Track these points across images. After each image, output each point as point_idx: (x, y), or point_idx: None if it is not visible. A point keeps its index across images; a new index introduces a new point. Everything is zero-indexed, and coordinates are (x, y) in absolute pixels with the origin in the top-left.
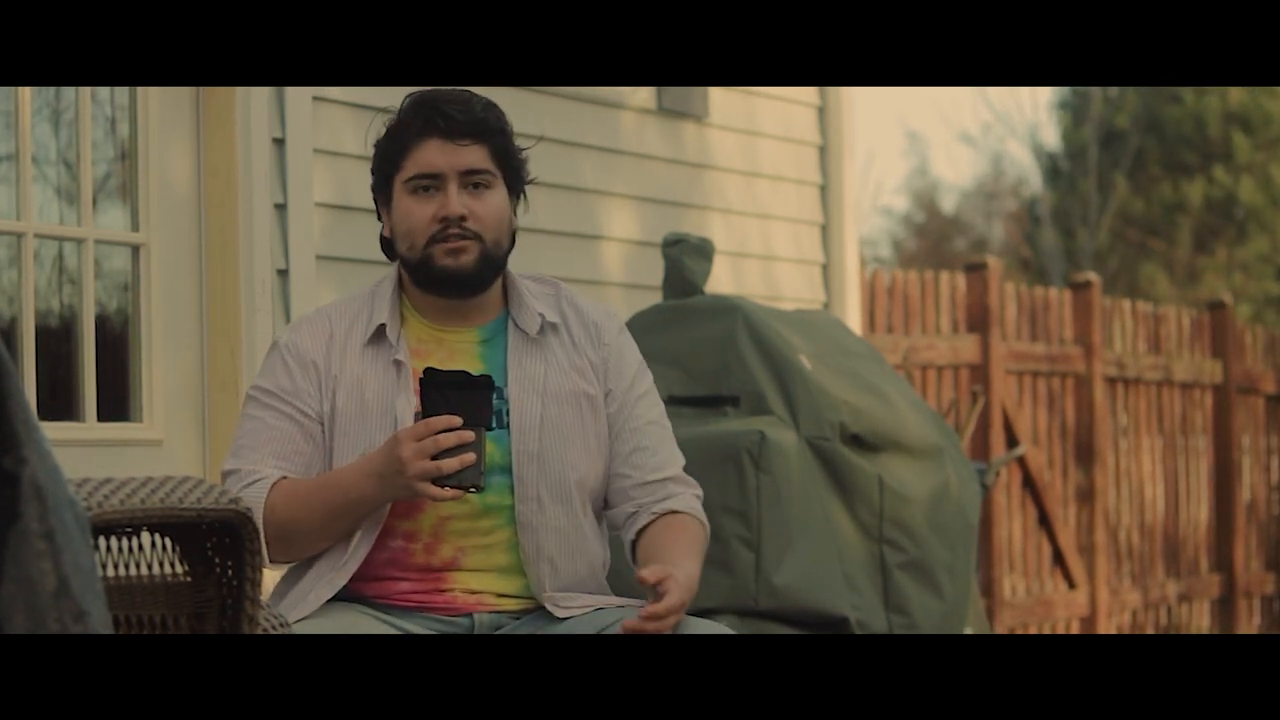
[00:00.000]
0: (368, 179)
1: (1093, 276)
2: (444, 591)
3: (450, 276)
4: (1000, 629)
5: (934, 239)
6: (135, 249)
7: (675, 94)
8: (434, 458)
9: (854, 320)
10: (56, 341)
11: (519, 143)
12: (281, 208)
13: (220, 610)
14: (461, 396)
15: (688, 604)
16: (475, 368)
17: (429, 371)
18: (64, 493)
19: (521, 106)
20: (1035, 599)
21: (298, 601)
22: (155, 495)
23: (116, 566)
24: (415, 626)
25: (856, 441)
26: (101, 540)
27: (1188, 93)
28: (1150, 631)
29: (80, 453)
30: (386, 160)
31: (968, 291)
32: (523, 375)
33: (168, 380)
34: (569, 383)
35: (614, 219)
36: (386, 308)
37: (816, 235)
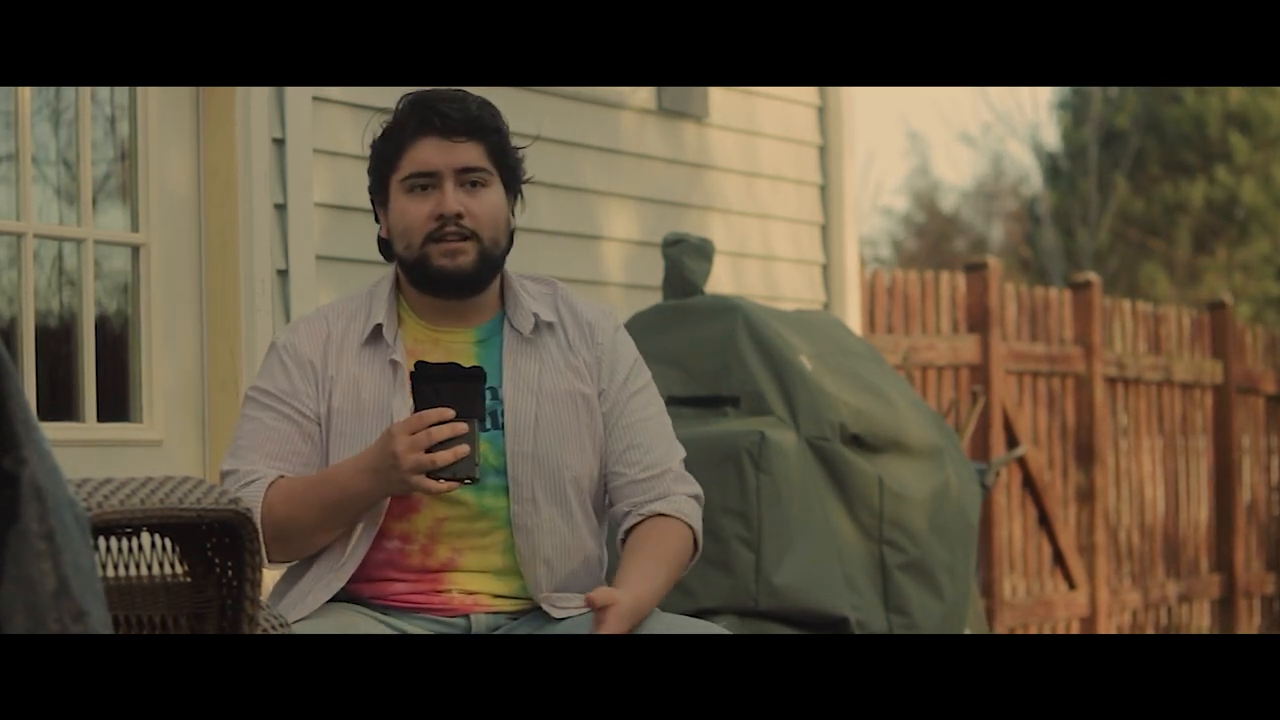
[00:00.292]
0: (367, 179)
1: (1093, 277)
2: (441, 592)
3: (448, 277)
4: (1000, 629)
5: (934, 239)
6: (135, 249)
7: (675, 94)
8: (428, 451)
9: (854, 320)
10: (56, 342)
11: (516, 142)
12: (281, 208)
13: (220, 610)
14: (453, 389)
15: (636, 626)
16: None
17: (419, 365)
18: (64, 493)
19: (521, 106)
20: (1035, 599)
21: (296, 602)
22: (155, 495)
23: (116, 567)
24: (413, 627)
25: (856, 442)
26: (101, 540)
27: (1188, 93)
28: (1150, 632)
29: (80, 453)
30: (383, 161)
31: (968, 291)
32: (518, 375)
33: (167, 380)
34: (564, 382)
35: (614, 219)
36: (384, 308)
37: (816, 235)
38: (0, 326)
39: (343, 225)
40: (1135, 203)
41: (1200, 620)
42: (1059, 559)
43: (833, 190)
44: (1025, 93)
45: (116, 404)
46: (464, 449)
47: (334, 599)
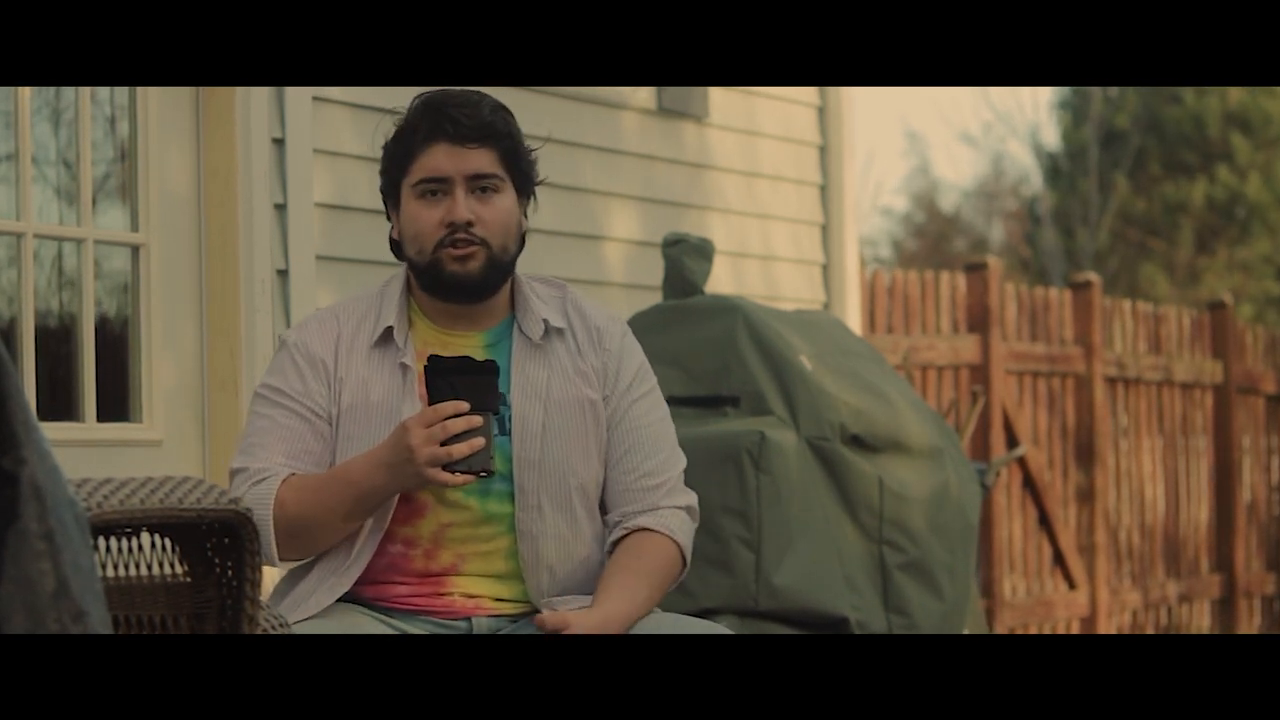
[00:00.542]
0: (367, 179)
1: (1093, 277)
2: (443, 595)
3: (458, 282)
4: (1000, 629)
5: (934, 239)
6: (135, 249)
7: (675, 94)
8: (443, 444)
9: (854, 320)
10: (56, 342)
11: (529, 144)
12: (281, 208)
13: (220, 610)
14: (467, 382)
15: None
16: None
17: (433, 358)
18: (63, 493)
19: (522, 107)
20: (1035, 599)
21: (298, 603)
22: (155, 495)
23: (116, 567)
24: (414, 629)
25: (856, 442)
26: (101, 540)
27: (1188, 93)
28: (1150, 632)
29: (80, 453)
30: (394, 164)
31: (968, 291)
32: (525, 381)
33: (167, 380)
34: (572, 388)
35: (614, 219)
36: (394, 310)
37: (816, 235)
38: (0, 326)
39: (343, 225)
40: (1135, 203)
41: (1200, 620)
42: (1059, 559)
43: (833, 190)
44: (1025, 93)
45: (116, 404)
46: (479, 441)
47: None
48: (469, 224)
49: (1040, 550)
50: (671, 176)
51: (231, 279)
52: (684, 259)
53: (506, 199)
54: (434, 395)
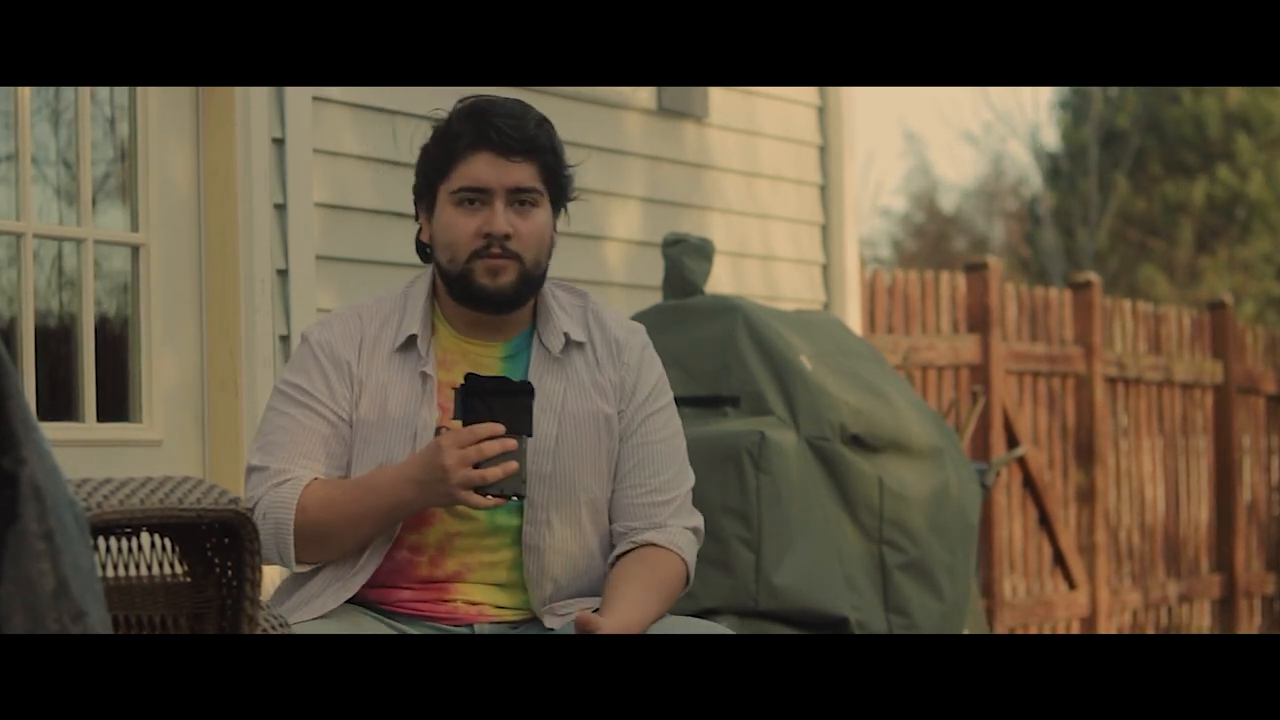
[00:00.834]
0: (367, 179)
1: (1093, 277)
2: (446, 601)
3: (488, 295)
4: (1001, 629)
5: (934, 239)
6: (135, 249)
7: (675, 94)
8: (476, 466)
9: (854, 320)
10: (56, 342)
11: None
12: (281, 208)
13: (220, 611)
14: (503, 404)
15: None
16: None
17: (470, 377)
18: (63, 493)
19: None
20: (1035, 599)
21: (302, 604)
22: (155, 495)
23: (116, 567)
24: (416, 632)
25: (856, 442)
26: (101, 541)
27: (1187, 93)
28: (1151, 632)
29: (80, 453)
30: (432, 167)
31: (968, 291)
32: (541, 395)
33: (167, 380)
34: (588, 403)
35: (614, 219)
36: (419, 317)
37: (816, 235)
38: (0, 326)
39: (343, 225)
40: (1135, 203)
41: (1201, 620)
42: (1059, 559)
43: (833, 190)
44: (1025, 93)
45: (116, 404)
46: (513, 465)
47: None
48: (506, 237)
49: (1040, 550)
50: (672, 176)
51: (231, 279)
52: (684, 259)
53: (543, 213)
54: (470, 416)
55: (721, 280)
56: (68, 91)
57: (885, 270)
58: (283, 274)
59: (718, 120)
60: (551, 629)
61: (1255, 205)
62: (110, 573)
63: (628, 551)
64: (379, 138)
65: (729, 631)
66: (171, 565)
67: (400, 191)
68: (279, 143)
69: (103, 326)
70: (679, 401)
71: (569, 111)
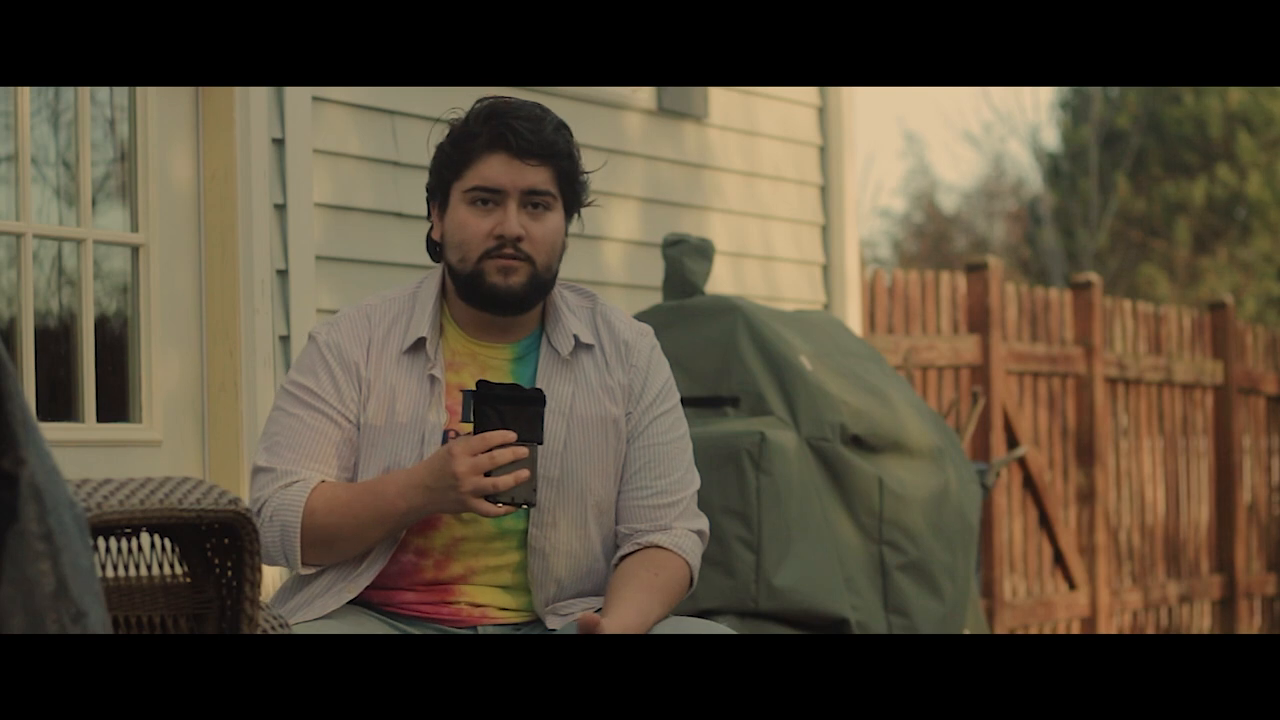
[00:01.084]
0: (367, 179)
1: (1093, 277)
2: (450, 604)
3: (498, 296)
4: (1001, 630)
5: (934, 239)
6: (134, 249)
7: (675, 94)
8: (488, 473)
9: (854, 321)
10: (56, 342)
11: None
12: (281, 208)
13: (219, 611)
14: (515, 411)
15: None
16: None
17: (482, 384)
18: (63, 493)
19: None
20: (1036, 600)
21: (304, 605)
22: (154, 496)
23: (115, 567)
24: (419, 633)
25: (856, 442)
26: (101, 541)
27: (1188, 93)
28: (1151, 632)
29: (79, 453)
30: (447, 166)
31: (968, 292)
32: (550, 398)
33: (167, 381)
34: (596, 405)
35: (615, 219)
36: (428, 319)
37: (817, 235)
38: (0, 327)
39: (343, 225)
40: (1136, 203)
41: (1201, 621)
42: (1059, 559)
43: (833, 190)
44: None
45: (116, 404)
46: (524, 473)
47: None
48: (518, 239)
49: (1041, 551)
50: (672, 176)
51: (231, 279)
52: (684, 259)
53: (556, 217)
54: (481, 423)
55: (721, 280)
56: (67, 91)
57: (885, 270)
58: (283, 274)
59: (718, 120)
60: (554, 630)
61: (1255, 205)
62: (110, 573)
63: (632, 553)
64: (379, 138)
65: (730, 631)
66: (171, 566)
67: (400, 191)
68: (279, 143)
69: (102, 327)
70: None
71: (569, 111)
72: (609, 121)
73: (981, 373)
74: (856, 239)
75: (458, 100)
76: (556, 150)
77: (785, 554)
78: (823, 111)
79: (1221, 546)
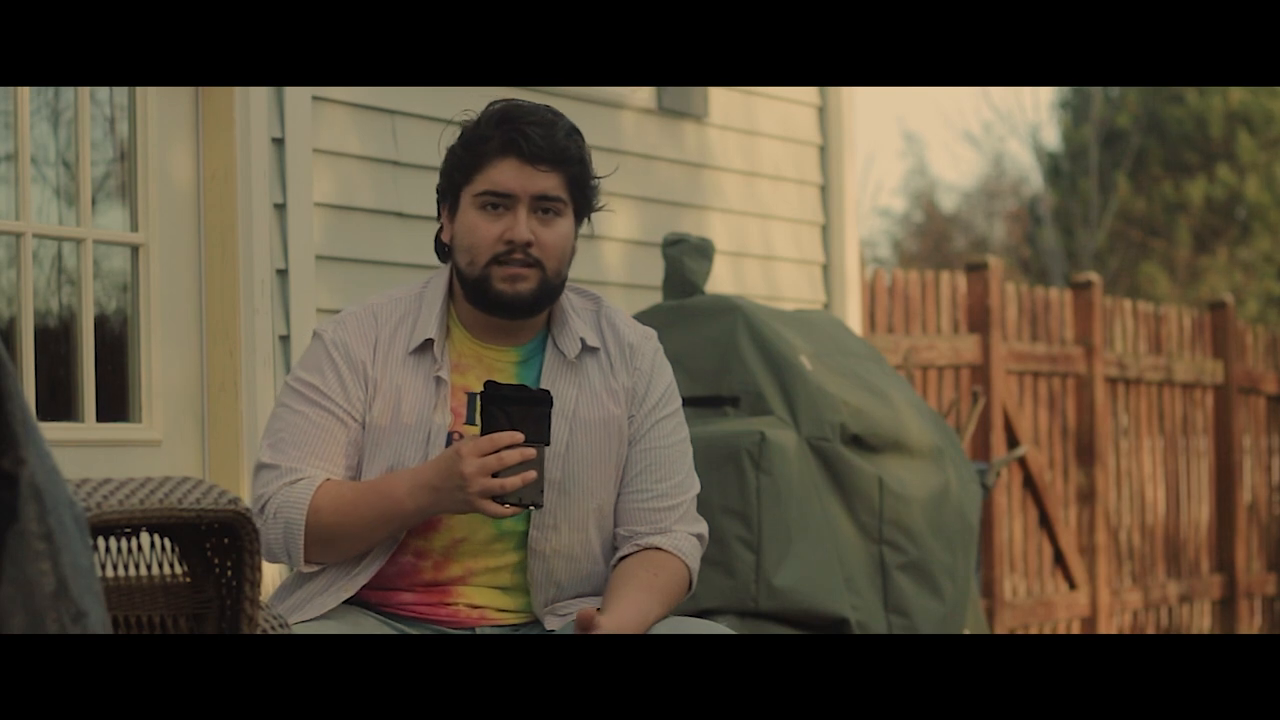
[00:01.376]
0: (367, 179)
1: (1094, 276)
2: (448, 605)
3: (506, 301)
4: (1001, 629)
5: (934, 239)
6: (134, 249)
7: (675, 94)
8: (495, 474)
9: (854, 320)
10: (56, 342)
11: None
12: (281, 208)
13: (219, 611)
14: (523, 412)
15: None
16: None
17: (490, 384)
18: (62, 493)
19: None
20: (1036, 600)
21: (303, 604)
22: (154, 496)
23: (115, 567)
24: (417, 633)
25: (857, 442)
26: (100, 541)
27: (1189, 92)
28: (1151, 632)
29: (79, 453)
30: (458, 169)
31: (968, 291)
32: (554, 400)
33: (167, 381)
34: (599, 408)
35: (614, 219)
36: (435, 320)
37: (817, 235)
38: (0, 326)
39: (343, 225)
40: (1136, 202)
41: (1201, 621)
42: (1060, 559)
43: (833, 190)
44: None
45: (116, 404)
46: (531, 474)
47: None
48: (528, 244)
49: (1041, 550)
50: (671, 176)
51: (231, 279)
52: (684, 259)
53: (566, 223)
54: (488, 424)
55: (721, 280)
56: (67, 91)
57: (885, 270)
58: (282, 274)
59: (718, 120)
60: (552, 630)
61: (1254, 206)
62: (110, 573)
63: (631, 554)
64: (379, 137)
65: (729, 631)
66: (171, 565)
67: (400, 191)
68: (279, 143)
69: (102, 326)
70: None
71: (568, 111)
72: (609, 121)
73: (981, 372)
74: (856, 239)
75: (457, 100)
76: (568, 156)
77: (785, 554)
78: (823, 111)
79: (1222, 546)
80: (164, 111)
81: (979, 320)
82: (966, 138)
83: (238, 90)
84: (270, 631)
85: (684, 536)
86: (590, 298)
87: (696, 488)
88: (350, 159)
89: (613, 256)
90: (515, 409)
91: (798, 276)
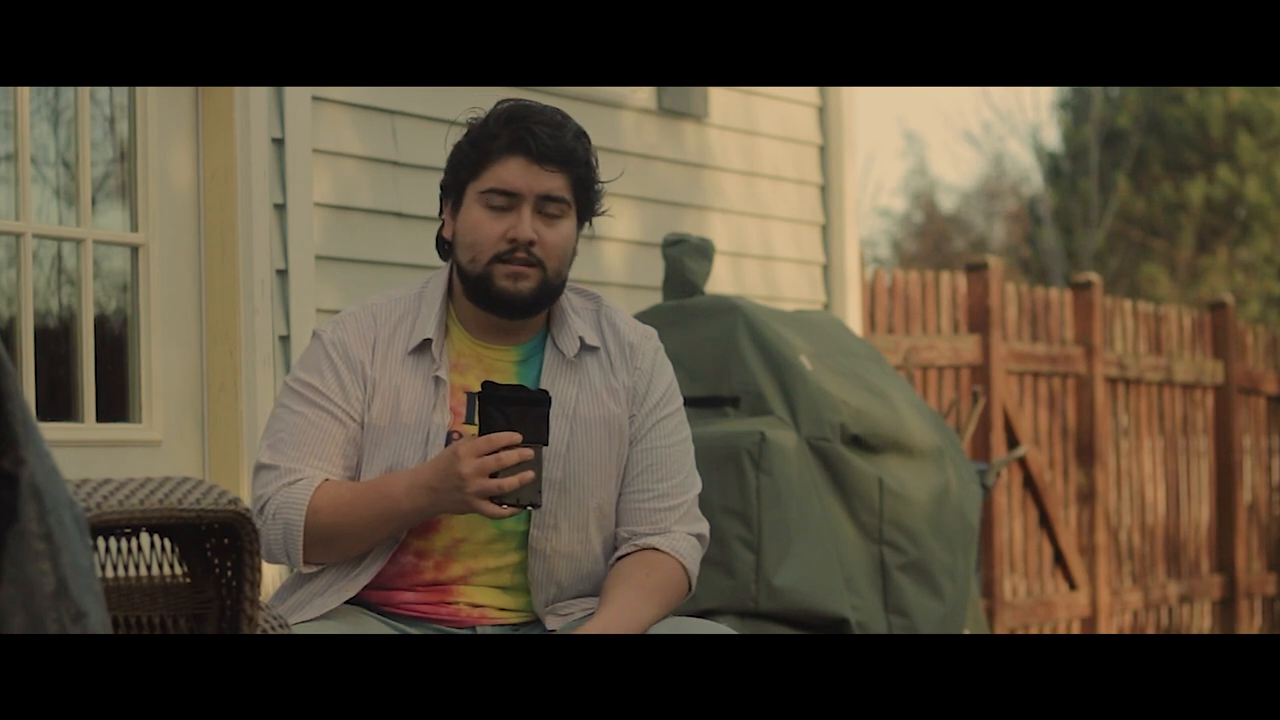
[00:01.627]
0: (367, 179)
1: (1094, 277)
2: (449, 604)
3: (506, 300)
4: (1001, 630)
5: (934, 239)
6: (134, 249)
7: (675, 94)
8: (493, 475)
9: (854, 320)
10: (55, 342)
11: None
12: (281, 208)
13: (219, 611)
14: (521, 412)
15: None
16: None
17: (487, 385)
18: (62, 493)
19: None
20: (1036, 600)
21: (303, 604)
22: (154, 496)
23: (115, 567)
24: (418, 633)
25: (857, 442)
26: (100, 541)
27: (1189, 92)
28: (1151, 632)
29: (79, 453)
30: (464, 166)
31: (968, 292)
32: (554, 400)
33: (167, 381)
34: (599, 407)
35: (614, 219)
36: (434, 320)
37: (817, 235)
38: (0, 326)
39: (342, 225)
40: (1136, 202)
41: (1201, 621)
42: (1060, 559)
43: (833, 190)
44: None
45: (116, 404)
46: (529, 475)
47: None
48: (530, 243)
49: (1041, 551)
50: (671, 176)
51: (231, 279)
52: (684, 259)
53: (569, 224)
54: (486, 424)
55: (721, 280)
56: (67, 91)
57: (885, 270)
58: (282, 274)
59: (718, 120)
60: (553, 630)
61: (1254, 206)
62: (110, 573)
63: (628, 554)
64: (379, 138)
65: (729, 631)
66: (171, 566)
67: (400, 191)
68: (279, 143)
69: (102, 326)
70: None
71: (569, 111)
72: (609, 121)
73: (981, 372)
74: (856, 239)
75: (457, 100)
76: (575, 158)
77: (785, 554)
78: (823, 111)
79: (1222, 546)
80: (164, 111)
81: (979, 320)
82: (966, 138)
83: (238, 90)
84: (270, 632)
85: (682, 537)
86: (590, 297)
87: (698, 487)
88: (350, 159)
89: (613, 257)
90: (513, 409)
91: (798, 277)
